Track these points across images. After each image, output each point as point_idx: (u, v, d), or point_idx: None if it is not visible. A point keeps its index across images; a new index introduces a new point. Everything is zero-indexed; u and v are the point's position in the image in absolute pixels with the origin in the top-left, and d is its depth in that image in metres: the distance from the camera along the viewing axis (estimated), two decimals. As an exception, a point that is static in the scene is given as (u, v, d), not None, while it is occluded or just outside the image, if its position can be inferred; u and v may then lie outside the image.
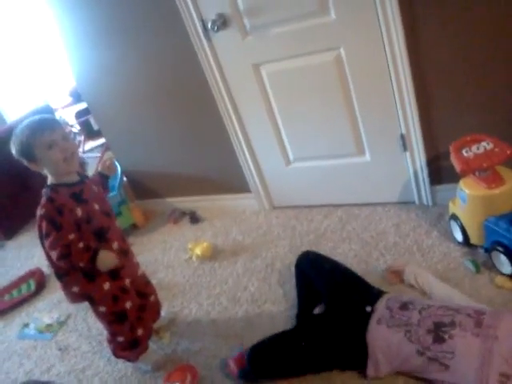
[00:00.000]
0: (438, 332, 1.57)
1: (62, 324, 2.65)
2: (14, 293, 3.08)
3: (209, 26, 2.45)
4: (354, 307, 1.84)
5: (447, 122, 2.28)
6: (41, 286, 3.05)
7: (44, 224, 1.77)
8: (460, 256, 2.16)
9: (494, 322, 1.54)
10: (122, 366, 2.22)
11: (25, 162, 1.83)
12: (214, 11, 2.42)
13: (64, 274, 1.90)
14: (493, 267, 2.00)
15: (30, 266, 3.34)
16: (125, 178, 3.49)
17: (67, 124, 5.52)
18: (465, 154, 2.07)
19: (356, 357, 1.73)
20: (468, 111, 2.22)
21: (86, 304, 2.64)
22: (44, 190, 1.84)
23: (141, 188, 3.49)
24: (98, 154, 4.70)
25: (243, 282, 2.49)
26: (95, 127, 4.43)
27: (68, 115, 5.50)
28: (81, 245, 1.79)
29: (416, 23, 2.09)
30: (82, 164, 4.57)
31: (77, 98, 5.64)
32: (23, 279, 3.16)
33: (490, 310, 1.64)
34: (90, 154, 5.04)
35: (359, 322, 1.75)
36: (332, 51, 2.34)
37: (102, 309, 1.98)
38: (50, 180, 1.87)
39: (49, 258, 1.87)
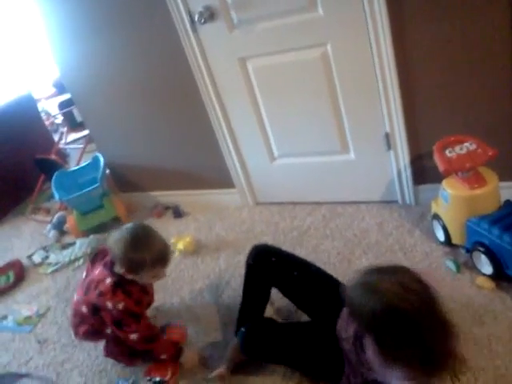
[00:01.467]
0: (361, 343, 1.49)
1: (41, 316, 2.62)
2: (-8, 284, 3.04)
3: (196, 18, 2.43)
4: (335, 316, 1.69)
5: (431, 122, 2.30)
6: (20, 278, 3.01)
7: (124, 316, 1.87)
8: (441, 256, 2.18)
9: None
10: (102, 359, 2.20)
11: (119, 266, 1.85)
12: (202, 3, 2.40)
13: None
14: (474, 267, 2.03)
15: (9, 257, 3.30)
16: (108, 171, 3.46)
17: (50, 115, 5.46)
18: (448, 154, 2.09)
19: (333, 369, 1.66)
20: (452, 111, 2.23)
21: (65, 296, 2.65)
22: (116, 279, 1.87)
23: (124, 181, 3.46)
24: (81, 146, 4.63)
25: (225, 278, 2.48)
26: (78, 119, 4.36)
27: (51, 106, 5.43)
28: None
29: (403, 22, 2.10)
30: (64, 155, 4.52)
31: (60, 88, 5.56)
32: (2, 270, 3.11)
33: None
34: (72, 146, 4.96)
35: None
36: (319, 47, 2.34)
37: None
38: (118, 269, 1.88)
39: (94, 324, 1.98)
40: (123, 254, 1.81)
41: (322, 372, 1.73)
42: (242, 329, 1.81)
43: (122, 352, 2.07)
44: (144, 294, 1.99)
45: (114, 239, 1.85)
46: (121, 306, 1.84)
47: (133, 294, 1.89)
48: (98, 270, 1.95)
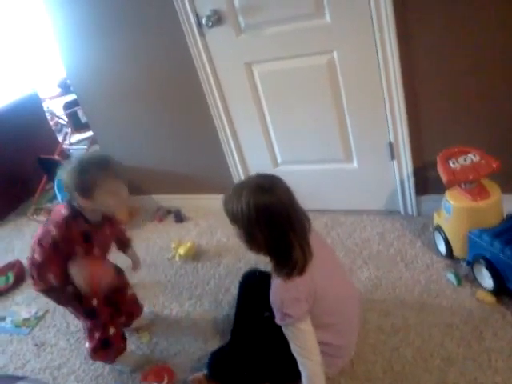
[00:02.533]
0: None
1: (39, 319, 2.61)
2: (-8, 285, 3.03)
3: (203, 22, 2.42)
4: None
5: (435, 133, 2.29)
6: (20, 279, 3.00)
7: (44, 243, 1.78)
8: (442, 268, 2.16)
9: None
10: (99, 365, 2.19)
11: (74, 194, 1.77)
12: (209, 7, 2.39)
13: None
14: (474, 281, 2.01)
15: (9, 258, 3.28)
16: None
17: (54, 115, 5.47)
18: (451, 166, 2.08)
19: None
20: (456, 122, 2.22)
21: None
22: (65, 210, 1.81)
23: (126, 184, 3.44)
24: (85, 147, 4.65)
25: (225, 284, 2.47)
26: (83, 120, 4.37)
27: (56, 106, 5.44)
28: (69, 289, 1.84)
29: (409, 31, 2.09)
30: (68, 156, 4.52)
31: (65, 89, 5.58)
32: (2, 271, 3.09)
33: None
34: (76, 147, 4.98)
35: None
36: (325, 55, 2.33)
37: (70, 309, 2.01)
38: (73, 201, 1.81)
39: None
40: (73, 178, 1.74)
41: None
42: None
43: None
44: (83, 241, 1.83)
45: (64, 172, 1.77)
46: (53, 232, 1.76)
47: (70, 230, 1.78)
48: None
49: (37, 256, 1.81)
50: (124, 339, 2.12)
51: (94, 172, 1.74)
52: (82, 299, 1.91)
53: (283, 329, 1.58)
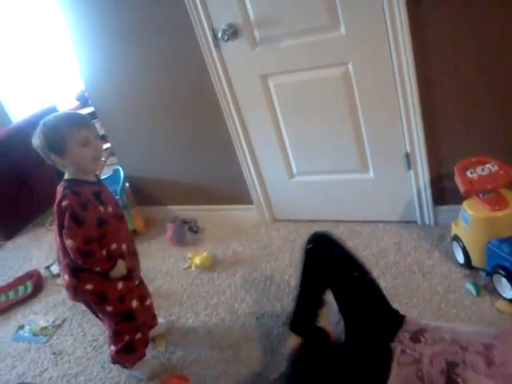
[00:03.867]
0: (451, 374, 1.40)
1: (57, 328, 2.63)
2: (11, 294, 3.06)
3: (219, 36, 2.45)
4: (379, 342, 1.57)
5: (452, 143, 2.28)
6: (38, 288, 3.04)
7: (67, 216, 1.76)
8: (461, 278, 2.14)
9: (506, 357, 1.39)
10: (116, 373, 2.20)
11: (50, 155, 1.80)
12: (225, 21, 2.43)
13: (79, 271, 1.87)
14: (494, 291, 1.99)
15: (28, 267, 3.33)
16: (127, 184, 3.49)
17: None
18: (469, 175, 2.07)
19: None
20: (474, 133, 2.21)
21: (82, 308, 2.66)
22: (65, 184, 1.83)
23: (143, 194, 3.49)
24: (102, 159, 4.69)
25: (241, 294, 2.47)
26: (100, 132, 4.43)
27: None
28: (104, 252, 1.85)
29: (425, 42, 2.10)
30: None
31: (83, 102, 5.65)
32: (20, 280, 3.14)
33: (498, 340, 1.46)
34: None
35: (383, 361, 1.51)
36: (340, 66, 2.34)
37: (109, 308, 1.97)
38: (69, 175, 1.85)
39: (65, 251, 1.84)
40: (43, 139, 1.77)
41: None
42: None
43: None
44: (98, 202, 1.85)
45: (35, 138, 1.80)
46: (65, 203, 1.76)
47: (81, 194, 1.79)
48: None
49: (69, 243, 1.78)
50: (146, 345, 2.14)
51: (60, 127, 1.76)
52: (124, 299, 1.97)
53: None
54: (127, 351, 2.05)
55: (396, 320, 1.64)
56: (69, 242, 1.77)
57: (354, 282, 1.70)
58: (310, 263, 1.77)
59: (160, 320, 2.33)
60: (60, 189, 1.83)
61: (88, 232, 1.78)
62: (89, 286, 1.90)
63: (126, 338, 2.03)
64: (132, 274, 2.02)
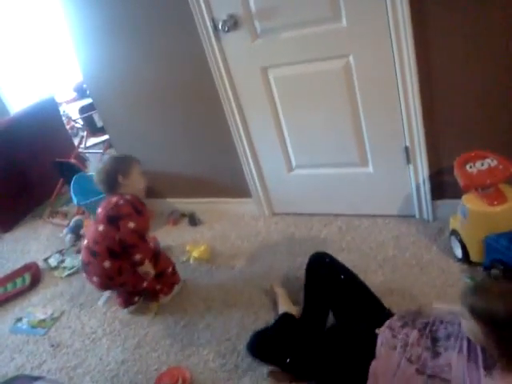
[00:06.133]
0: (435, 347, 1.54)
1: (55, 320, 2.64)
2: (9, 286, 3.06)
3: (219, 27, 2.44)
4: (365, 329, 1.74)
5: (452, 137, 2.28)
6: (36, 280, 3.04)
7: (127, 207, 2.25)
8: (459, 272, 2.15)
9: None
10: (114, 366, 2.21)
11: (115, 175, 2.31)
12: (226, 12, 2.41)
13: (121, 251, 2.25)
14: (491, 285, 1.99)
15: (26, 259, 3.33)
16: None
17: (70, 119, 5.53)
18: (468, 170, 2.07)
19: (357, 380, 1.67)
20: (474, 127, 2.21)
21: (80, 301, 2.67)
22: (122, 193, 2.31)
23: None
24: (100, 151, 4.69)
25: (239, 287, 2.47)
26: (98, 124, 4.41)
27: (72, 110, 5.50)
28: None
29: (427, 36, 2.09)
30: (83, 160, 4.57)
31: (81, 93, 5.65)
32: (18, 273, 3.14)
33: None
34: (91, 150, 5.02)
35: (367, 345, 1.66)
36: (341, 59, 2.33)
37: (147, 262, 2.29)
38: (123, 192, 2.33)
39: (107, 237, 2.24)
40: (115, 164, 2.37)
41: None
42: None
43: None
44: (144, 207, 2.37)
45: (101, 167, 2.40)
46: (128, 196, 2.30)
47: (144, 213, 2.34)
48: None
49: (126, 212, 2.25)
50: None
51: (128, 157, 2.43)
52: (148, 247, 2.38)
53: None
54: (173, 273, 2.56)
55: (381, 310, 1.86)
56: (130, 224, 2.20)
57: (341, 284, 1.95)
58: (309, 279, 2.04)
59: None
60: (114, 197, 2.29)
61: (144, 223, 2.31)
62: (131, 224, 2.23)
63: (170, 269, 2.52)
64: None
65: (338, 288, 1.94)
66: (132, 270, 2.28)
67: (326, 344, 1.81)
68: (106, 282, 2.28)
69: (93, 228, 2.33)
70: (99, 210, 2.34)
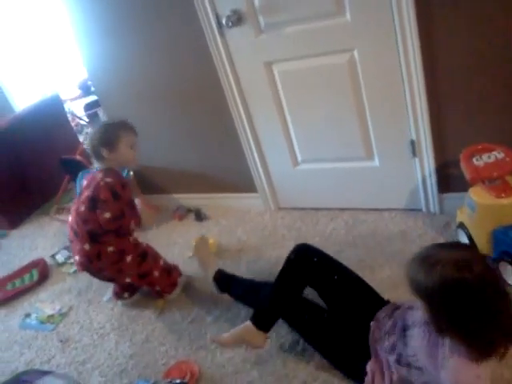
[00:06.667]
0: (405, 337, 1.54)
1: (63, 315, 2.65)
2: (17, 282, 3.08)
3: (223, 22, 2.44)
4: (359, 322, 1.74)
5: (458, 130, 2.27)
6: (44, 276, 3.06)
7: (105, 192, 2.13)
8: (466, 265, 2.14)
9: None
10: (123, 360, 2.23)
11: (100, 148, 2.19)
12: (230, 7, 2.41)
13: (100, 235, 2.20)
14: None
15: (33, 256, 3.35)
16: (131, 172, 3.49)
17: (75, 116, 5.53)
18: (475, 163, 2.07)
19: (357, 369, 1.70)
20: (480, 119, 2.21)
21: (88, 297, 2.69)
22: (104, 170, 2.21)
23: (147, 183, 3.49)
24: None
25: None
26: (103, 120, 4.42)
27: (76, 107, 5.51)
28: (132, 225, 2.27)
29: (432, 31, 2.08)
30: (89, 156, 4.57)
31: (85, 90, 5.65)
32: (26, 269, 3.16)
33: None
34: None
35: (362, 341, 1.69)
36: (346, 53, 2.33)
37: (129, 258, 2.29)
38: (105, 166, 2.24)
39: (89, 219, 2.18)
40: (100, 135, 2.22)
41: (343, 361, 1.78)
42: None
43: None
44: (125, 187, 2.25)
45: (90, 135, 2.32)
46: (109, 179, 2.16)
47: (121, 175, 2.27)
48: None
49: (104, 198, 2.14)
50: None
51: (116, 128, 2.24)
52: (137, 244, 2.39)
53: None
54: (168, 275, 2.48)
55: (380, 302, 1.81)
56: (106, 215, 2.11)
57: (335, 284, 1.89)
58: (289, 271, 1.94)
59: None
60: (99, 174, 2.19)
61: (121, 206, 2.17)
62: (110, 248, 2.23)
63: (156, 273, 2.42)
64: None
65: (333, 289, 1.90)
66: (112, 258, 2.25)
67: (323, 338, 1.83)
68: (87, 263, 2.25)
69: (76, 205, 2.27)
70: (85, 183, 2.28)
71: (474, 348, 1.30)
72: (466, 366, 1.32)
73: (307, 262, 1.91)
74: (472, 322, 1.27)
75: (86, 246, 2.21)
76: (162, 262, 2.50)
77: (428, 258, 1.33)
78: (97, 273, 2.35)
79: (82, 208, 2.20)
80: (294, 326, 1.93)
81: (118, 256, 2.26)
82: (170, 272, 2.52)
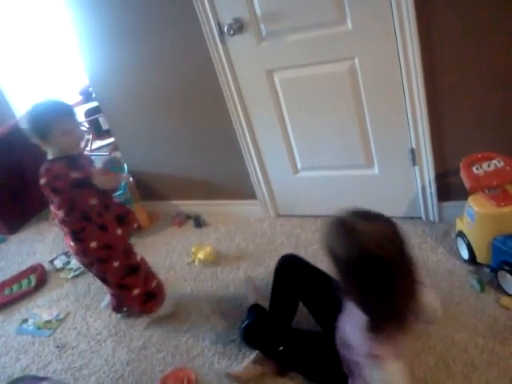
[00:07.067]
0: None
1: (60, 321, 2.64)
2: (15, 287, 3.07)
3: (225, 30, 2.44)
4: None
5: (458, 139, 2.27)
6: (41, 282, 3.05)
7: (47, 192, 2.02)
8: (465, 274, 2.14)
9: None
10: (120, 366, 2.21)
11: (35, 138, 1.98)
12: (231, 15, 2.42)
13: (80, 231, 2.08)
14: (498, 287, 1.99)
15: (31, 261, 3.34)
16: (131, 178, 3.49)
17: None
18: (475, 171, 2.06)
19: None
20: (479, 128, 2.21)
21: (86, 302, 2.67)
22: (44, 165, 2.04)
23: (146, 189, 3.49)
24: (106, 153, 4.70)
25: (244, 289, 2.47)
26: (104, 126, 4.44)
27: (77, 113, 5.52)
28: (93, 201, 2.08)
29: (432, 38, 2.09)
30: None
31: (86, 96, 5.66)
32: (24, 274, 3.15)
33: None
34: (97, 153, 5.04)
35: None
36: (346, 61, 2.33)
37: (116, 264, 2.18)
38: (50, 156, 2.05)
39: (63, 221, 2.09)
40: (30, 122, 1.97)
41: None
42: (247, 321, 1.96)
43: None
44: (73, 169, 2.00)
45: (23, 122, 2.00)
46: (42, 181, 2.02)
47: (51, 169, 2.01)
48: None
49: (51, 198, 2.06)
50: (162, 287, 2.40)
51: (47, 115, 1.96)
52: (129, 253, 2.24)
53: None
54: (150, 298, 2.30)
55: None
56: (59, 213, 2.04)
57: (316, 291, 1.89)
58: (278, 283, 2.01)
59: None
60: (44, 165, 2.04)
61: (68, 197, 2.02)
62: (93, 244, 2.10)
63: (136, 291, 2.25)
64: (126, 219, 2.26)
65: (315, 296, 1.91)
66: (99, 254, 2.14)
67: (309, 348, 1.82)
68: (80, 258, 2.20)
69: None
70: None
71: (378, 319, 1.35)
72: (374, 340, 1.37)
73: (291, 271, 1.97)
74: (378, 294, 1.32)
75: (72, 244, 2.14)
76: (153, 284, 2.33)
77: (346, 227, 1.37)
78: (90, 266, 2.25)
79: (52, 208, 2.14)
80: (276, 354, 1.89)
81: (103, 252, 2.13)
82: (153, 297, 2.33)
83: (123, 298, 2.35)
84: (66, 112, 2.02)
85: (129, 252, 2.26)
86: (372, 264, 1.28)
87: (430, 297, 1.55)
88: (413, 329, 1.40)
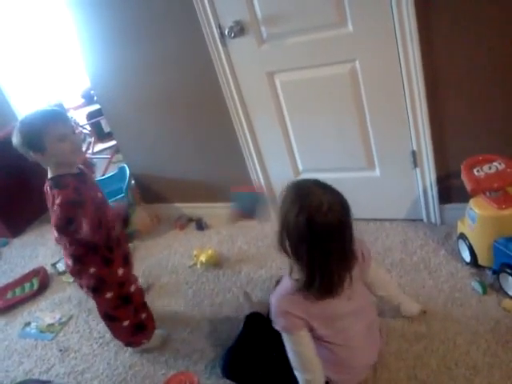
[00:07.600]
0: None
1: (63, 325, 2.64)
2: (17, 291, 3.08)
3: (226, 33, 2.45)
4: None
5: (459, 141, 2.27)
6: (44, 285, 3.05)
7: (66, 209, 1.79)
8: (467, 276, 2.14)
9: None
10: (122, 370, 2.21)
11: (29, 153, 1.83)
12: (232, 18, 2.42)
13: (83, 255, 1.96)
14: (500, 289, 1.99)
15: (34, 264, 3.35)
16: (133, 182, 3.50)
17: (78, 125, 5.56)
18: (476, 174, 2.06)
19: None
20: (481, 130, 2.20)
21: (88, 306, 2.67)
22: (50, 183, 1.88)
23: (148, 192, 3.49)
24: (107, 156, 4.71)
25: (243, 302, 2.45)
26: (106, 129, 4.44)
27: (79, 116, 5.53)
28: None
29: (433, 40, 2.08)
30: (91, 165, 4.58)
31: (88, 99, 5.68)
32: (27, 278, 3.16)
33: None
34: (98, 156, 5.05)
35: None
36: (347, 64, 2.33)
37: (109, 295, 2.05)
38: (52, 173, 1.90)
39: (70, 240, 1.92)
40: (21, 137, 1.82)
41: None
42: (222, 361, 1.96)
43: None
44: (83, 184, 1.90)
45: (14, 137, 1.85)
46: (58, 201, 1.80)
47: (69, 185, 1.84)
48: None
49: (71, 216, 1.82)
50: (153, 319, 2.26)
51: (36, 124, 1.80)
52: (124, 285, 2.08)
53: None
54: (138, 330, 2.18)
55: None
56: (84, 227, 1.78)
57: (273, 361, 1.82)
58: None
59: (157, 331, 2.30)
60: (48, 190, 1.88)
61: (91, 208, 1.81)
62: (92, 270, 1.98)
63: (126, 323, 2.13)
64: (130, 259, 2.15)
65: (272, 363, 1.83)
66: (92, 282, 2.02)
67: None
68: (73, 276, 2.09)
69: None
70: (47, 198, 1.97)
71: (309, 279, 1.48)
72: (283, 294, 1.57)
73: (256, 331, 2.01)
74: (315, 255, 1.45)
75: (69, 262, 2.01)
76: (143, 316, 2.19)
77: (302, 190, 1.51)
78: (81, 287, 2.11)
79: (55, 234, 1.93)
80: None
81: (97, 283, 2.01)
82: (143, 329, 2.20)
83: (110, 330, 2.22)
84: (58, 117, 1.87)
85: (123, 281, 2.10)
86: (314, 227, 1.41)
87: (382, 274, 1.93)
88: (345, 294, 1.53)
